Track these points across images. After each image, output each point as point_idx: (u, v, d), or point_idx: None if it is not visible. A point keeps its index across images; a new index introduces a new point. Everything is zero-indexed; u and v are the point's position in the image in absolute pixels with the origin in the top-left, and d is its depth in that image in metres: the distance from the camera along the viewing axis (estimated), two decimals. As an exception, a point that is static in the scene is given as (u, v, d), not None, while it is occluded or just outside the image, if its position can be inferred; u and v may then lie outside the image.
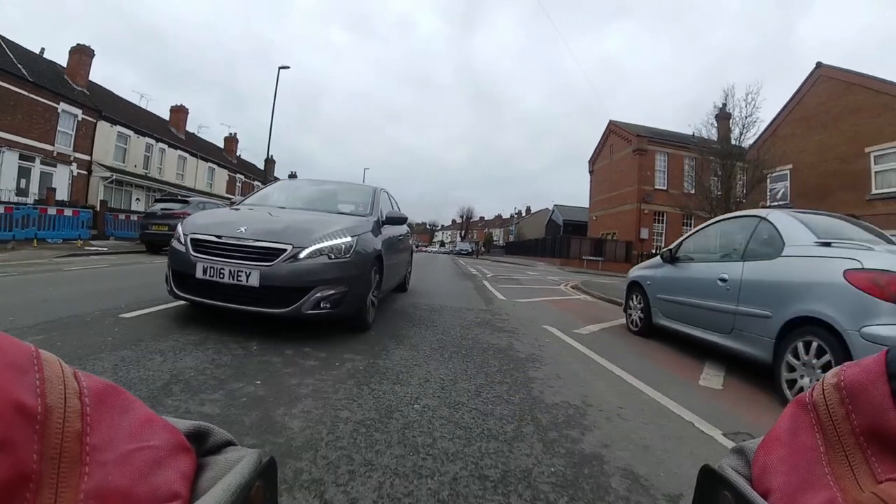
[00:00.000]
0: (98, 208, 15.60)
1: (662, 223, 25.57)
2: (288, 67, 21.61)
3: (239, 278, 2.88)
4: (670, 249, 4.17)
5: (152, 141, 23.66)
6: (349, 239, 3.21)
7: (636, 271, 4.79)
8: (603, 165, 29.77)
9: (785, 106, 17.60)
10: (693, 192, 19.07)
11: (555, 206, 49.66)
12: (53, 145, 18.58)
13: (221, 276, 2.90)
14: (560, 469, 1.59)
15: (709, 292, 3.41)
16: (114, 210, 16.77)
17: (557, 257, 27.20)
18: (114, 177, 19.99)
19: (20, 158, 16.62)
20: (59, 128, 18.92)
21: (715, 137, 17.05)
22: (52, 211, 11.75)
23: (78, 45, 22.39)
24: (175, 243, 3.22)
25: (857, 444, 0.26)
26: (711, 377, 3.16)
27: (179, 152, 25.77)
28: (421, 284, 7.68)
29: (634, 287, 4.70)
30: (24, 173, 16.84)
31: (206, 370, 2.30)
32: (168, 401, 1.86)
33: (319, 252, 3.04)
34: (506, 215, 74.48)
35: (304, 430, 1.72)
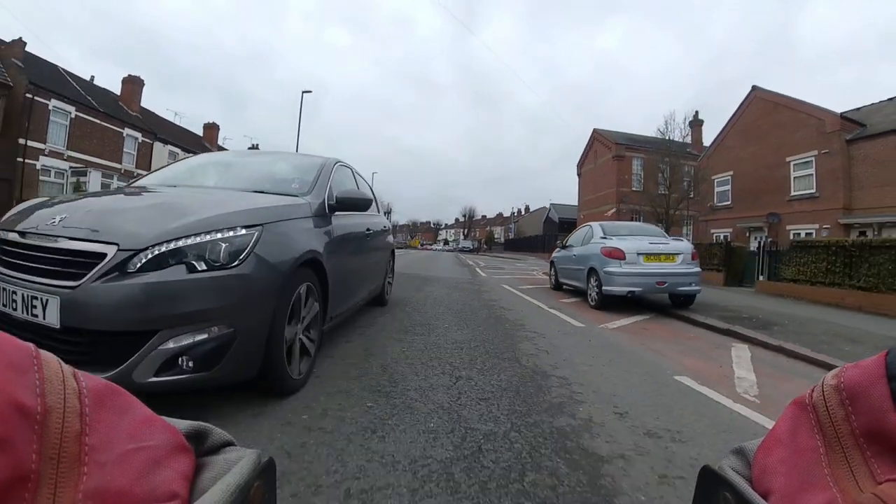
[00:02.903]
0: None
1: (640, 221, 29.08)
2: (310, 91, 25.18)
3: (34, 311, 1.57)
4: (563, 242, 7.81)
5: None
6: (242, 232, 1.82)
7: (553, 255, 8.43)
8: (588, 169, 33.32)
9: (729, 120, 21.04)
10: (665, 192, 22.63)
11: (551, 204, 53.09)
12: (121, 164, 22.50)
13: (14, 306, 1.60)
14: (483, 304, 5.34)
15: (571, 261, 7.07)
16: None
17: (548, 252, 30.87)
18: (171, 190, 23.81)
19: (102, 176, 20.46)
20: (124, 149, 22.87)
21: (672, 146, 20.66)
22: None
23: (129, 75, 26.43)
24: None
25: (856, 445, 0.26)
26: (571, 300, 6.81)
27: (216, 165, 29.64)
28: (431, 270, 11.40)
29: (552, 264, 8.36)
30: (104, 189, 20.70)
31: None
32: None
33: (175, 256, 1.64)
34: (507, 214, 78.27)
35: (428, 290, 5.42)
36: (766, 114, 19.10)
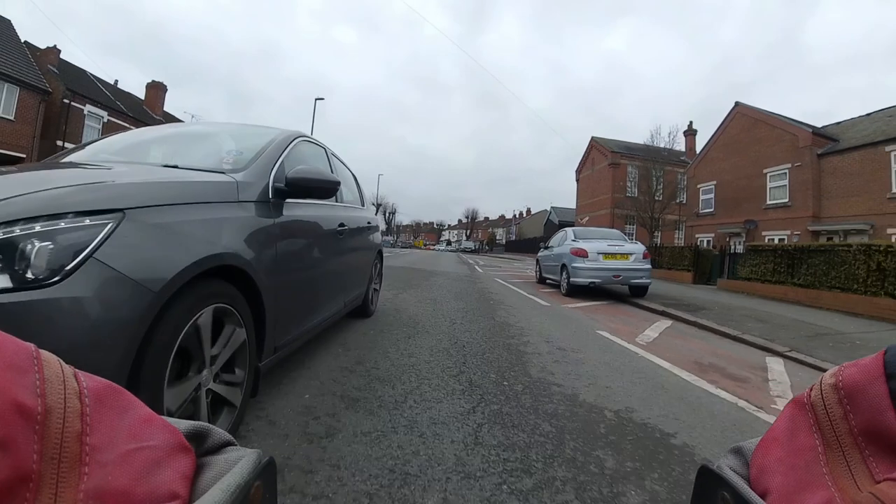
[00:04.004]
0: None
1: (633, 225, 30.60)
2: (323, 99, 26.81)
3: None
4: (546, 244, 9.43)
5: (214, 159, 29.41)
6: (86, 221, 1.06)
7: (539, 254, 10.06)
8: (586, 175, 34.90)
9: (714, 134, 22.59)
10: (652, 198, 24.22)
11: (552, 207, 54.71)
12: (149, 166, 24.30)
13: None
14: (476, 290, 6.98)
15: (550, 259, 8.71)
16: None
17: (545, 253, 32.48)
18: (193, 190, 25.60)
19: (133, 178, 22.26)
20: (151, 152, 24.63)
21: (664, 155, 22.30)
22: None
23: (153, 81, 28.34)
24: None
25: (854, 444, 0.26)
26: (548, 290, 8.42)
27: (232, 167, 31.51)
28: (435, 266, 13.05)
29: (538, 262, 10.01)
30: (134, 189, 22.47)
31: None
32: None
33: None
34: (509, 216, 79.97)
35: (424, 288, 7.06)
36: (746, 129, 20.64)
